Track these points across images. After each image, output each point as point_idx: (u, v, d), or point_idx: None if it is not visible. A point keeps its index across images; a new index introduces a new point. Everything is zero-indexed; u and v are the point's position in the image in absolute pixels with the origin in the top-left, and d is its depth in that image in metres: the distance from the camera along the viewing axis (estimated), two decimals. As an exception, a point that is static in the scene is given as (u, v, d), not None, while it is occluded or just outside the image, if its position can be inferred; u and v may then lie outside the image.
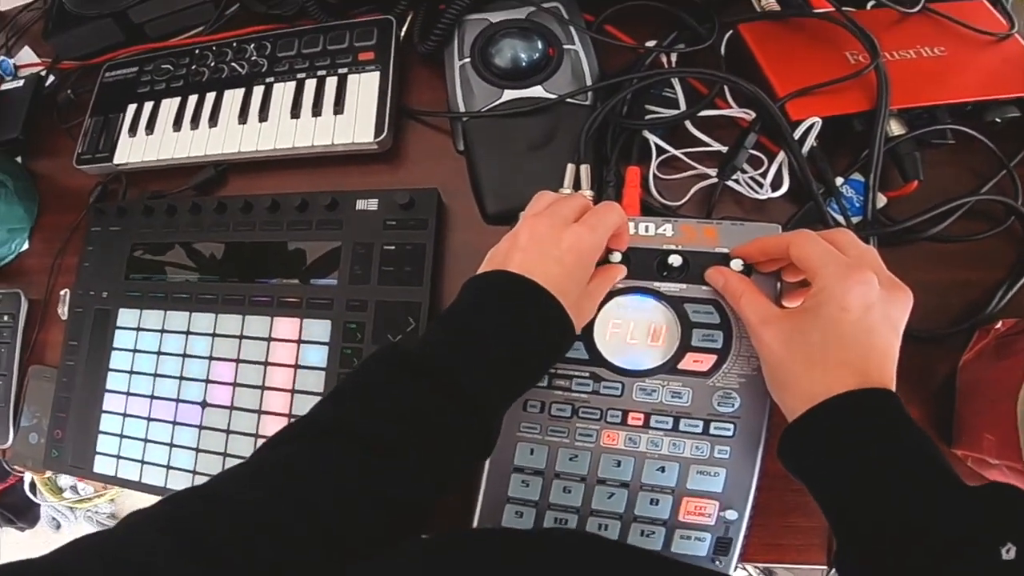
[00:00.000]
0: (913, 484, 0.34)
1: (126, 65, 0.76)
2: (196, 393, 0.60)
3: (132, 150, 0.70)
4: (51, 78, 0.82)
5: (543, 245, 0.41)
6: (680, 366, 0.45)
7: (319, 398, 0.56)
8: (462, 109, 0.60)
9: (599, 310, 0.46)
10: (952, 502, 0.33)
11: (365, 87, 0.64)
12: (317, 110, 0.65)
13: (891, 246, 0.53)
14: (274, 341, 0.59)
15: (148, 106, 0.72)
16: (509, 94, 0.59)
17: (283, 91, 0.67)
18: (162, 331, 0.63)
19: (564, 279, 0.40)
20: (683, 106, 0.57)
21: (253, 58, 0.70)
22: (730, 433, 0.45)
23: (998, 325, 0.49)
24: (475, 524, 0.48)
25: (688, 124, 0.57)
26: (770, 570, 1.16)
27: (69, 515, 1.54)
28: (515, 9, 0.63)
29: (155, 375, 0.62)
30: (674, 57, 0.59)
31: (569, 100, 0.58)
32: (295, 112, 0.65)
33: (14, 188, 0.74)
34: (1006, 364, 0.45)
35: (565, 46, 0.60)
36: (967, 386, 0.50)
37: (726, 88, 0.58)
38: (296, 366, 0.58)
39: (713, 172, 0.56)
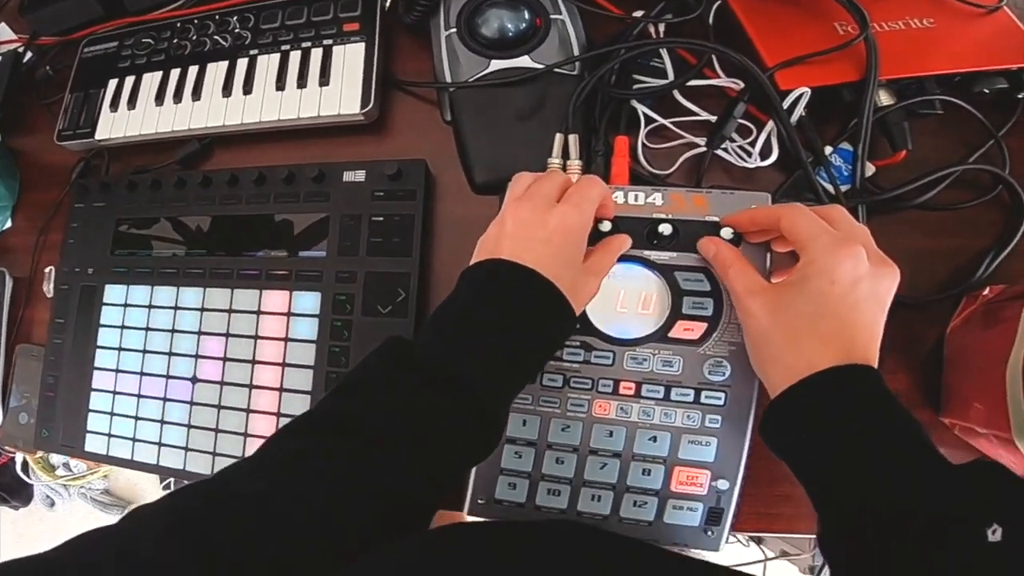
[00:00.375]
0: (897, 460, 0.34)
1: (106, 40, 0.74)
2: (186, 369, 0.60)
3: (114, 125, 0.69)
4: (29, 54, 0.81)
5: (529, 229, 0.41)
6: (671, 334, 0.46)
7: (309, 370, 0.56)
8: (449, 79, 0.59)
9: None
10: (936, 479, 0.33)
11: (351, 58, 0.63)
12: (302, 82, 0.64)
13: (879, 214, 0.53)
14: (263, 314, 0.59)
15: (129, 81, 0.70)
16: (496, 64, 0.58)
17: (267, 63, 0.66)
18: (150, 307, 0.62)
19: (554, 261, 0.40)
20: (671, 76, 0.57)
21: (236, 30, 0.69)
22: (721, 402, 0.45)
23: (985, 292, 0.49)
24: (469, 497, 0.48)
25: (676, 94, 0.57)
26: (760, 539, 1.18)
27: (63, 492, 1.54)
28: (501, -22, 0.61)
29: (144, 351, 0.62)
30: (662, 27, 0.59)
31: (557, 70, 0.57)
32: (280, 84, 0.64)
33: (-6, 166, 0.72)
34: (994, 332, 0.45)
35: (552, 16, 0.59)
36: (955, 353, 0.50)
37: (714, 58, 0.57)
38: (286, 339, 0.58)
39: (702, 141, 0.56)
